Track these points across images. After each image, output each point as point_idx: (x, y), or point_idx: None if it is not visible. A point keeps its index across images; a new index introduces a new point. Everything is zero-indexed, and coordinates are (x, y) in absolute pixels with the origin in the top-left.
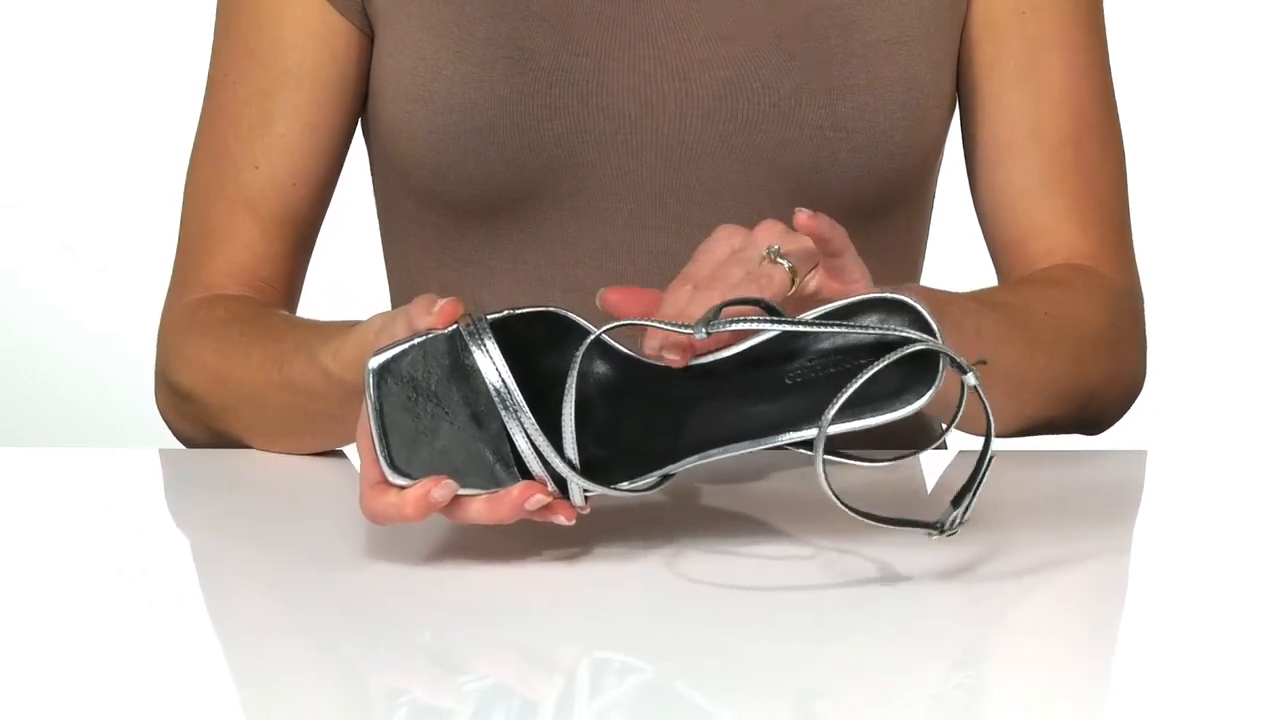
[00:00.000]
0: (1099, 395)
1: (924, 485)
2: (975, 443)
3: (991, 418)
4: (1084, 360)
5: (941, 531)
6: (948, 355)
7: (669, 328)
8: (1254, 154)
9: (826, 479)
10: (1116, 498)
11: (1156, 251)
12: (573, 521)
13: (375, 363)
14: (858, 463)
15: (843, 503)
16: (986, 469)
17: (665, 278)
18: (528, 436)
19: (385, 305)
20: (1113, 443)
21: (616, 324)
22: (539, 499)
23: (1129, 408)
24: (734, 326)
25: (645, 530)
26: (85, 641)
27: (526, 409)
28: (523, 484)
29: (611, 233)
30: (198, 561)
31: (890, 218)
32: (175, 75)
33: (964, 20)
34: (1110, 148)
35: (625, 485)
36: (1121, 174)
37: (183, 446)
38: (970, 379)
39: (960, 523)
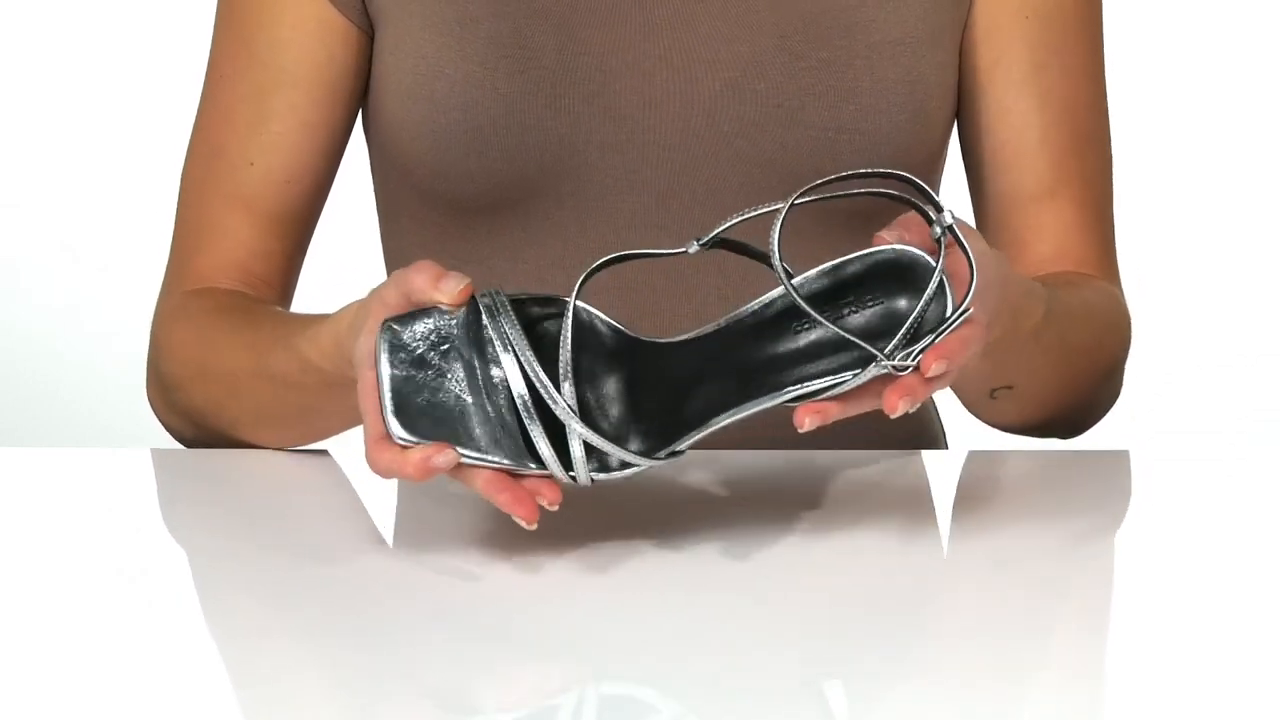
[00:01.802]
0: (1095, 402)
1: (925, 483)
2: (977, 442)
3: (974, 264)
4: (1094, 372)
5: (890, 359)
6: (925, 191)
7: (662, 254)
8: (1226, 158)
9: (781, 258)
10: (1104, 496)
11: (1136, 256)
12: (555, 505)
13: (387, 324)
14: (829, 380)
15: (799, 295)
16: (959, 320)
17: (665, 278)
18: (535, 380)
19: None
20: (1096, 443)
21: (603, 260)
22: (544, 499)
23: (1105, 415)
24: (724, 226)
25: (649, 529)
26: (85, 641)
27: (531, 351)
28: (533, 481)
29: (613, 232)
30: (197, 561)
31: (894, 219)
32: (175, 75)
33: (965, 21)
34: (1104, 156)
35: (634, 449)
36: (1111, 181)
37: (180, 446)
38: (947, 218)
39: (911, 363)
